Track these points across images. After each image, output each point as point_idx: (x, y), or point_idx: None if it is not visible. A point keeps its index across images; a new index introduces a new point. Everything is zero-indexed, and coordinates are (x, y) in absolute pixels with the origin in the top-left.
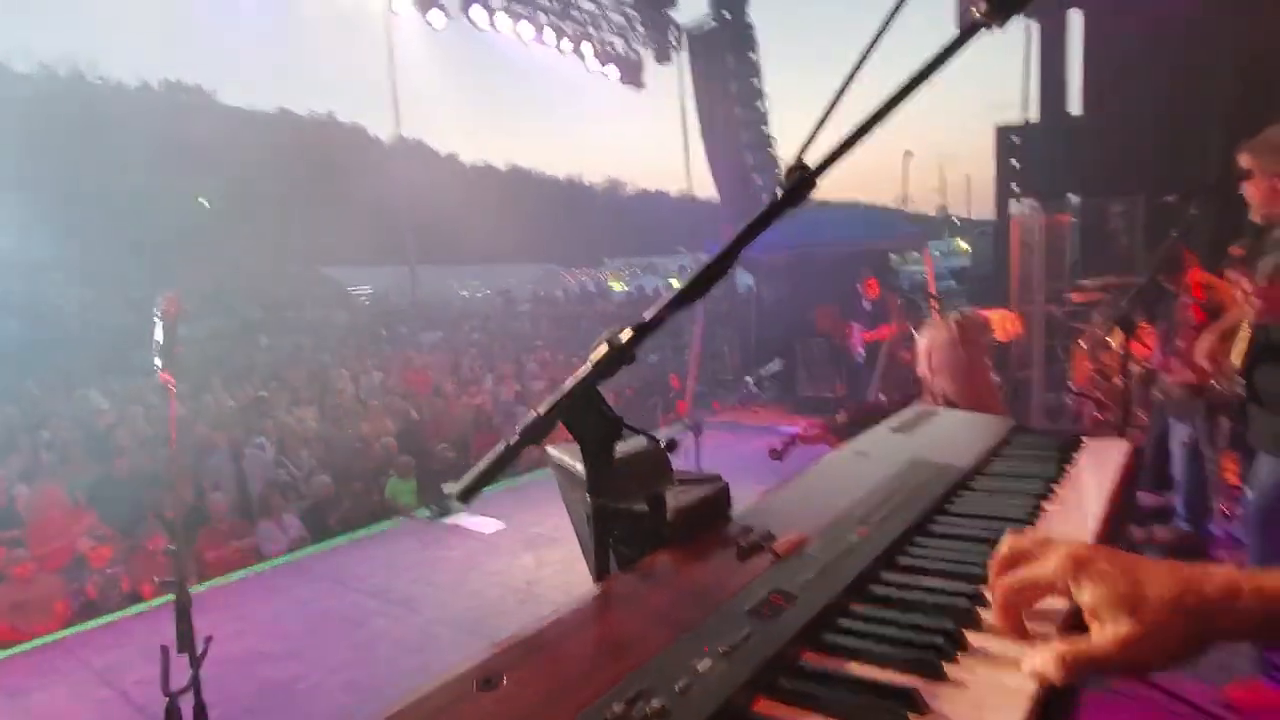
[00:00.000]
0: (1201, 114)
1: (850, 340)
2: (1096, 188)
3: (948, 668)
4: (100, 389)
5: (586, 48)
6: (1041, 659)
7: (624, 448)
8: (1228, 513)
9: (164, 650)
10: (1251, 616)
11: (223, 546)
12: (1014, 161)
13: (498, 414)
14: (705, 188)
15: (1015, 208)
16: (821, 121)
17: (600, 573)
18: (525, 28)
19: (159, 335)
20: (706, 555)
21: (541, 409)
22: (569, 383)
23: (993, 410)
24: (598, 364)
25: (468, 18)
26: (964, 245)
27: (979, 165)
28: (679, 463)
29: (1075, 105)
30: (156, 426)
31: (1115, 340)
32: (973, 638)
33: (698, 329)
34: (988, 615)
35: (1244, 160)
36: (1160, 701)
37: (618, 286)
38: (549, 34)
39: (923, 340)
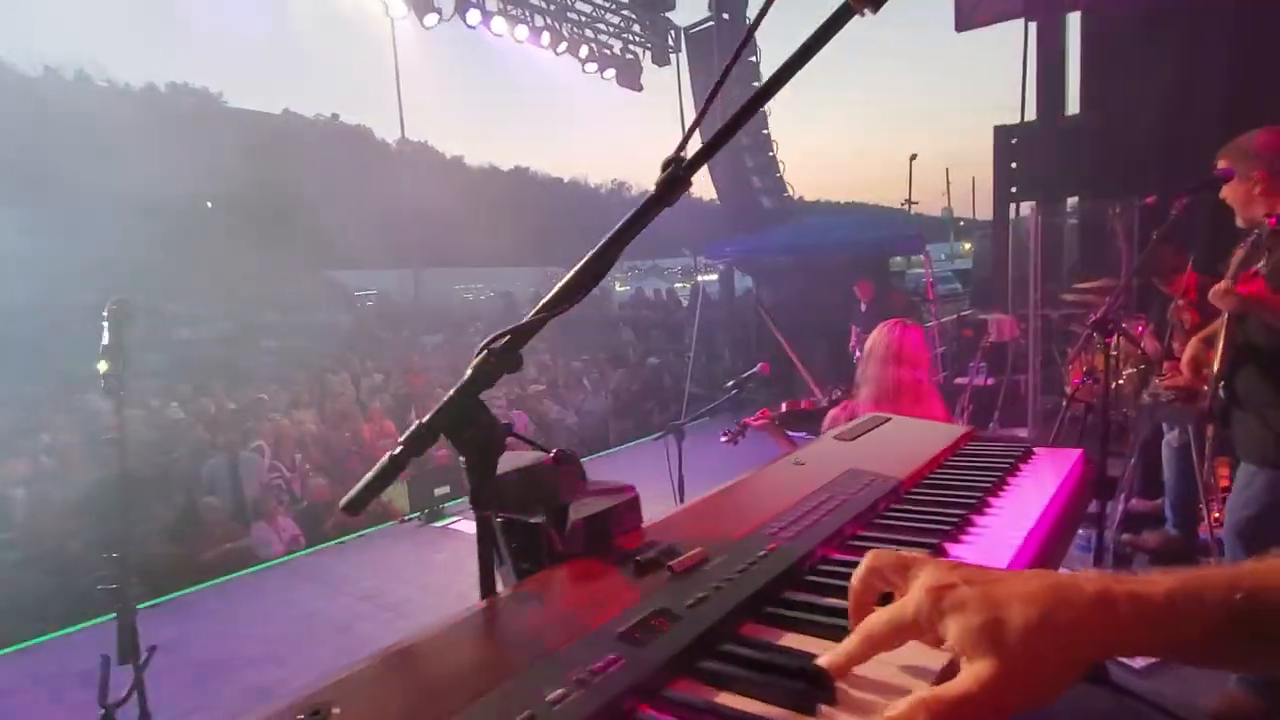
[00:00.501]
0: (1200, 114)
1: (850, 342)
2: (1095, 189)
3: (825, 705)
4: (100, 393)
5: (583, 50)
6: (901, 706)
7: (530, 457)
8: (1219, 518)
9: (104, 659)
10: (1130, 629)
11: (216, 549)
12: (1012, 163)
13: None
14: (705, 189)
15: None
16: (699, 119)
17: (485, 589)
18: (521, 30)
19: (105, 338)
20: (602, 572)
21: (424, 419)
22: (450, 392)
23: (929, 414)
24: (476, 371)
25: (463, 20)
26: (968, 247)
27: (984, 167)
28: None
29: (1073, 106)
30: (155, 430)
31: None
32: (862, 670)
33: (695, 332)
34: None
35: (1220, 164)
36: (1143, 712)
37: (620, 289)
38: (545, 36)
39: (868, 342)
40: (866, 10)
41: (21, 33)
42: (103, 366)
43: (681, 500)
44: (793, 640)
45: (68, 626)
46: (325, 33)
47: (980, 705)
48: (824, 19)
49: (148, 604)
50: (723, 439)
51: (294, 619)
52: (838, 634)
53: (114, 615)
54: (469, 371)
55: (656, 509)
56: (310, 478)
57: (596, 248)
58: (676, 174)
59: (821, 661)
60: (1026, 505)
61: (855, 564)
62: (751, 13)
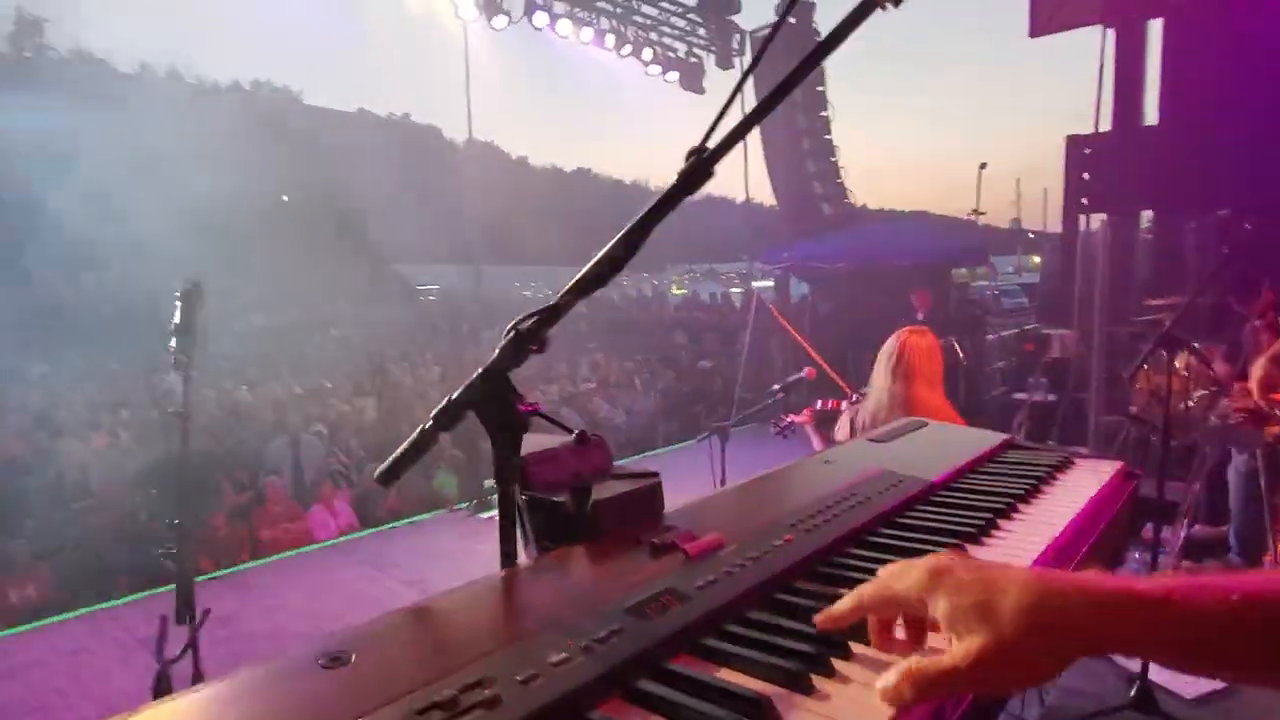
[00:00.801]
0: None
1: None
2: (1170, 203)
3: (822, 680)
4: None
5: (647, 53)
6: (890, 676)
7: (556, 439)
8: None
9: (162, 619)
10: (1117, 621)
11: (275, 527)
12: (1084, 174)
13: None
14: (763, 194)
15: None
16: (724, 110)
17: (506, 561)
18: (587, 32)
19: (176, 318)
20: (619, 551)
21: (453, 395)
22: (479, 370)
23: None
24: (504, 351)
25: (530, 22)
26: (1036, 260)
27: (1056, 179)
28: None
29: (1150, 116)
30: (225, 411)
31: (1180, 363)
32: (863, 650)
33: (748, 337)
34: None
35: None
36: None
37: (677, 292)
38: (610, 39)
39: (883, 349)
40: (889, 4)
41: (119, 31)
42: (172, 344)
43: None
44: (802, 626)
45: (137, 592)
46: (399, 34)
47: (964, 678)
48: (848, 11)
49: (208, 576)
50: (773, 430)
51: (341, 599)
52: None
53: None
54: (497, 351)
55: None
56: (366, 464)
57: (620, 234)
58: (699, 164)
59: (817, 619)
60: (1055, 513)
61: (872, 559)
62: (820, 17)
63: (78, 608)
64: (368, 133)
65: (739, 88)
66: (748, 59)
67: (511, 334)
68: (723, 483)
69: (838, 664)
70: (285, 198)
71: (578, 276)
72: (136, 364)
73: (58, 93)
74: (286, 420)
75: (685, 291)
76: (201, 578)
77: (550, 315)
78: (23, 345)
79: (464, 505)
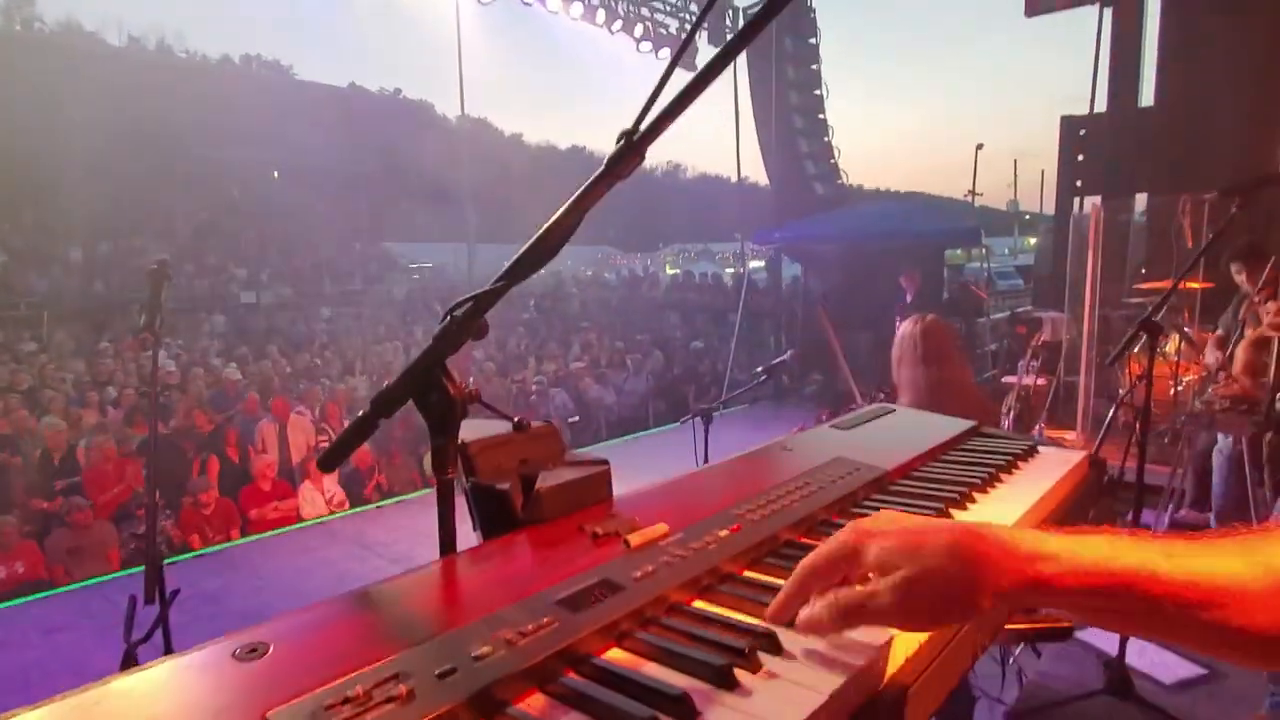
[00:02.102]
0: None
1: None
2: (1165, 185)
3: (747, 676)
4: (166, 351)
5: (638, 29)
6: (815, 606)
7: (501, 425)
8: None
9: (130, 600)
10: (1029, 576)
11: (264, 505)
12: (1079, 155)
13: (538, 394)
14: (755, 172)
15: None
16: (655, 94)
17: (444, 549)
18: (576, 7)
19: (147, 297)
20: (559, 540)
21: (390, 382)
22: (416, 358)
23: (968, 413)
24: (439, 338)
25: None
26: (1032, 242)
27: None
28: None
29: (1147, 97)
30: (215, 389)
31: (1171, 347)
32: (793, 646)
33: (739, 317)
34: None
35: None
36: None
37: (670, 272)
38: (600, 14)
39: (895, 346)
40: None
41: (108, 6)
42: (143, 322)
43: None
44: (737, 618)
45: (126, 569)
46: (390, 8)
47: (884, 607)
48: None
49: (195, 553)
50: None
51: (327, 577)
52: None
53: (166, 562)
54: (433, 338)
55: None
56: None
57: (552, 219)
58: (627, 147)
59: (766, 614)
60: (1013, 502)
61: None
62: None
63: (67, 584)
64: (359, 108)
65: (670, 69)
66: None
67: (447, 320)
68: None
69: (766, 659)
70: (275, 174)
71: (511, 261)
72: (123, 340)
73: (48, 65)
74: (274, 399)
75: (677, 272)
76: (188, 555)
77: (484, 301)
78: (11, 322)
79: None
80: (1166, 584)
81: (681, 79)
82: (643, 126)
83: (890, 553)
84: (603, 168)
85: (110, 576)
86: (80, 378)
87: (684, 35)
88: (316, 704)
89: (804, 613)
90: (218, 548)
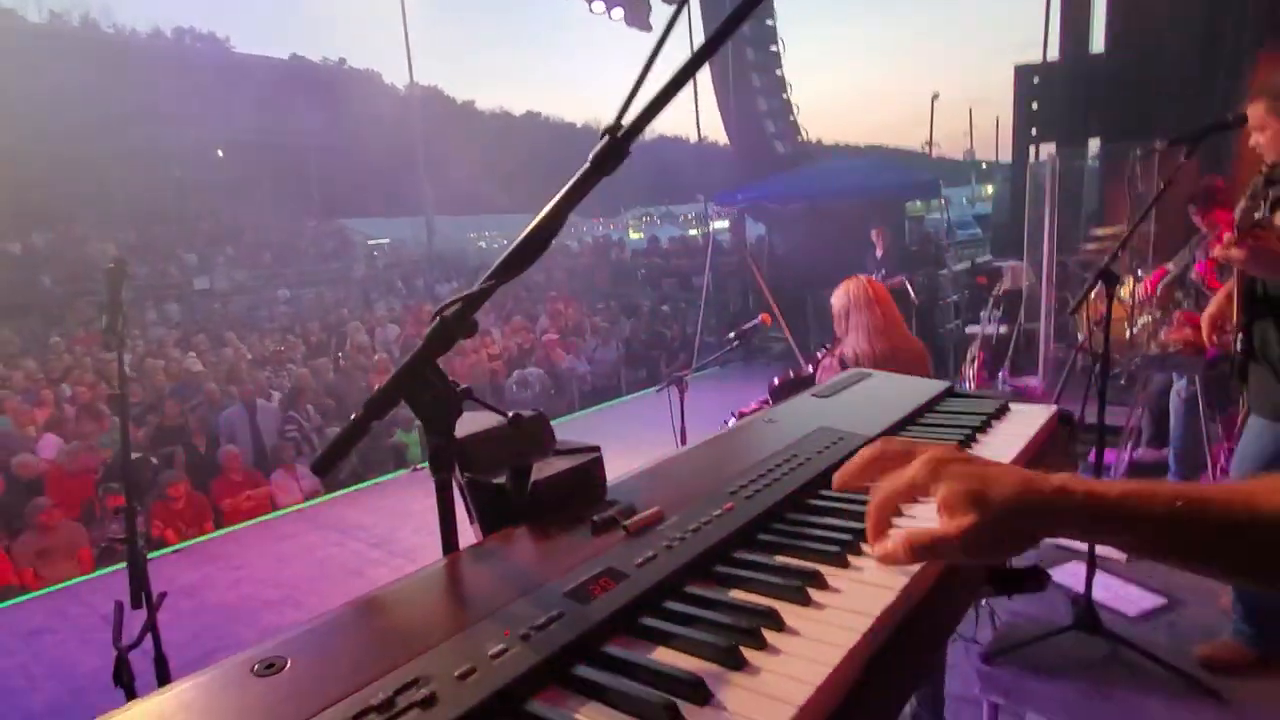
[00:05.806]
0: (1232, 53)
1: None
2: (1118, 131)
3: (755, 654)
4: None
5: None
6: (890, 542)
7: (494, 418)
8: (1225, 469)
9: (117, 605)
10: (1079, 515)
11: (236, 496)
12: (1033, 103)
13: (506, 365)
14: (715, 132)
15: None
16: (636, 87)
17: (446, 547)
18: None
19: (106, 296)
20: (560, 531)
21: (383, 384)
22: (407, 358)
23: (916, 372)
24: (430, 338)
25: None
26: (989, 191)
27: (1008, 108)
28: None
29: (1098, 44)
30: (175, 381)
31: (1125, 290)
32: (796, 622)
33: (706, 281)
34: (819, 596)
35: (1250, 107)
36: (1134, 659)
37: (635, 236)
38: None
39: (838, 299)
40: None
41: None
42: (103, 319)
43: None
44: (739, 597)
45: (98, 569)
46: None
47: (952, 545)
48: None
49: (170, 549)
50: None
51: (309, 564)
52: (785, 592)
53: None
54: (423, 339)
55: (659, 458)
56: (326, 427)
57: (538, 219)
58: (612, 144)
59: (869, 544)
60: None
61: (810, 523)
62: None
63: (39, 587)
64: (303, 80)
65: (651, 61)
66: None
67: (437, 320)
68: (682, 433)
69: (771, 636)
70: (220, 153)
71: (499, 261)
72: (76, 335)
73: None
74: (239, 387)
75: (642, 236)
76: (163, 550)
77: (474, 300)
78: None
79: (426, 464)
80: (1215, 498)
81: (653, 55)
82: (625, 122)
83: (960, 496)
84: (588, 165)
85: (84, 578)
86: (33, 374)
87: None
88: (343, 714)
89: (879, 549)
90: (192, 542)
